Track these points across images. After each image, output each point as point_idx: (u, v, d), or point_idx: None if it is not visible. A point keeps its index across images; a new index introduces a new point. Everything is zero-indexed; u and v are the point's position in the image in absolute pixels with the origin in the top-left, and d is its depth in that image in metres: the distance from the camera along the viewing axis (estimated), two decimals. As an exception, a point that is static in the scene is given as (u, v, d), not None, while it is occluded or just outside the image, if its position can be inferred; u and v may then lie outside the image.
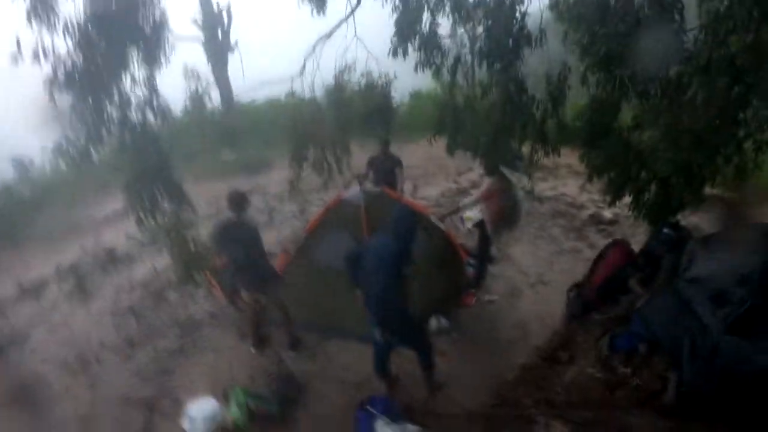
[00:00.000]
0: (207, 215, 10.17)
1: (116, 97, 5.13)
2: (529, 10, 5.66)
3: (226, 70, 15.50)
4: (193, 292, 7.70)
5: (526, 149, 6.31)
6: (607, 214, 9.08)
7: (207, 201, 10.57)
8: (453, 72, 6.33)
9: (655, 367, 4.00)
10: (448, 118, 6.39)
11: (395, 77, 8.84)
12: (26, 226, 10.91)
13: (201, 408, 5.37)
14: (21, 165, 13.44)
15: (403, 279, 4.86)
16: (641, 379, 3.99)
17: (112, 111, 5.18)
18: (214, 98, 14.73)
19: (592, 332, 4.60)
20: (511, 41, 5.73)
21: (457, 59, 6.32)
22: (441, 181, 11.38)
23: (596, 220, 9.03)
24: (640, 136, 5.47)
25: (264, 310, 6.30)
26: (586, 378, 4.16)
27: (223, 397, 5.56)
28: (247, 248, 5.83)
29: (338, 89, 7.28)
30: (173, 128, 7.05)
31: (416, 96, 14.67)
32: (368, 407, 4.25)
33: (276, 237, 9.07)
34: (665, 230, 5.08)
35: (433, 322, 6.45)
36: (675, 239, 4.85)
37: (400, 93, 10.51)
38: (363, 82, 7.81)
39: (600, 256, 5.37)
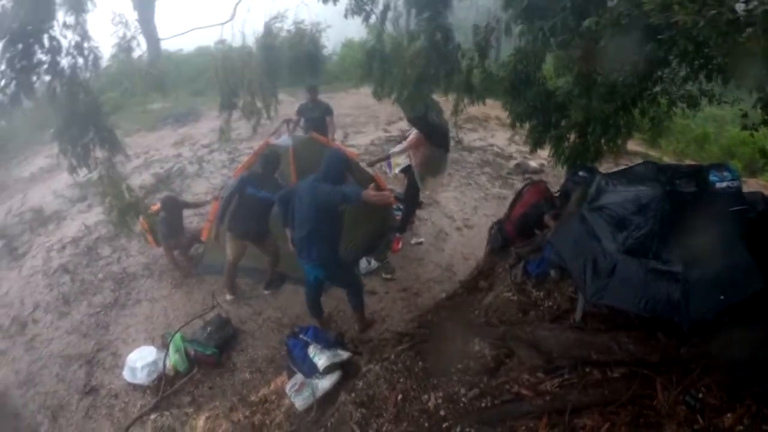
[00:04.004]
0: (135, 167, 10.03)
1: (46, 42, 4.90)
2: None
3: (152, 16, 14.97)
4: (126, 246, 7.65)
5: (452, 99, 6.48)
6: (533, 163, 9.55)
7: (135, 153, 10.36)
8: (382, 19, 6.41)
9: (565, 289, 4.33)
10: (376, 65, 6.50)
11: (327, 26, 8.85)
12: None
13: (141, 357, 5.45)
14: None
15: (334, 220, 4.99)
16: (552, 301, 4.33)
17: (42, 56, 4.97)
18: (141, 46, 14.30)
19: (510, 263, 4.91)
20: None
21: (387, 6, 6.39)
22: (371, 130, 11.49)
23: (522, 169, 9.48)
24: (557, 84, 5.76)
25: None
26: (502, 302, 4.46)
27: (162, 345, 5.65)
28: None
29: (267, 35, 7.21)
30: (101, 78, 6.79)
31: (348, 45, 14.60)
32: (300, 336, 4.40)
33: (207, 186, 9.06)
34: (580, 172, 5.37)
35: (363, 264, 6.70)
36: (587, 179, 5.17)
37: (332, 43, 10.45)
38: (293, 29, 7.76)
39: (519, 195, 5.66)
